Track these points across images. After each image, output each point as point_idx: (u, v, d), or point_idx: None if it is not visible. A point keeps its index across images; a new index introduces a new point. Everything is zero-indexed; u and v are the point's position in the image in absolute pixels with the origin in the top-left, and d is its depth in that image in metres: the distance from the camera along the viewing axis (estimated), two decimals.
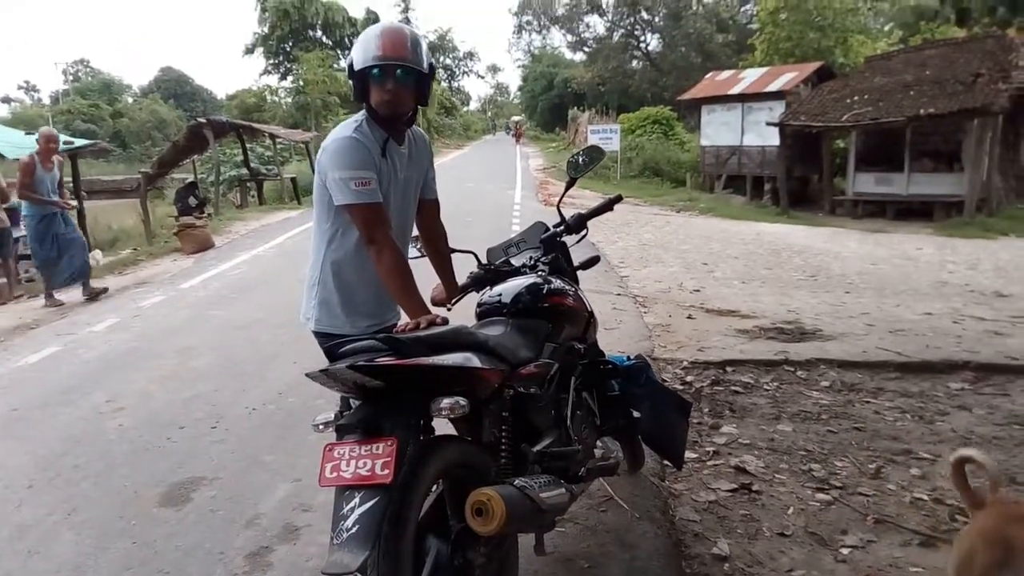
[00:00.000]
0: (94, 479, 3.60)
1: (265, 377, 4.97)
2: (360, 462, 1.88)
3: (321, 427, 2.03)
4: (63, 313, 7.42)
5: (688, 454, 3.36)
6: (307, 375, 1.94)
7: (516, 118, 58.13)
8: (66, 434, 4.20)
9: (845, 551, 2.75)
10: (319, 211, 2.52)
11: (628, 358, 3.08)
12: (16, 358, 5.85)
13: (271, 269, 9.37)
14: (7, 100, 59.58)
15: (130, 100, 55.92)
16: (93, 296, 7.97)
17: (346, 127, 2.41)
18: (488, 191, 17.36)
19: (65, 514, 3.25)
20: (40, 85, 63.00)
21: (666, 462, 3.35)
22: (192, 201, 14.44)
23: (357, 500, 1.83)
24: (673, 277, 8.12)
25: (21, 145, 11.00)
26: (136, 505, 3.28)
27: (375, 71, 2.30)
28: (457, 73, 69.54)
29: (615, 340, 5.36)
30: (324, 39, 49.88)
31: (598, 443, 2.85)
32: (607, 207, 3.10)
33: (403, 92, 2.34)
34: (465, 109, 73.54)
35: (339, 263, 2.51)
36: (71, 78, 60.99)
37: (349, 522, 1.80)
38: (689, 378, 4.74)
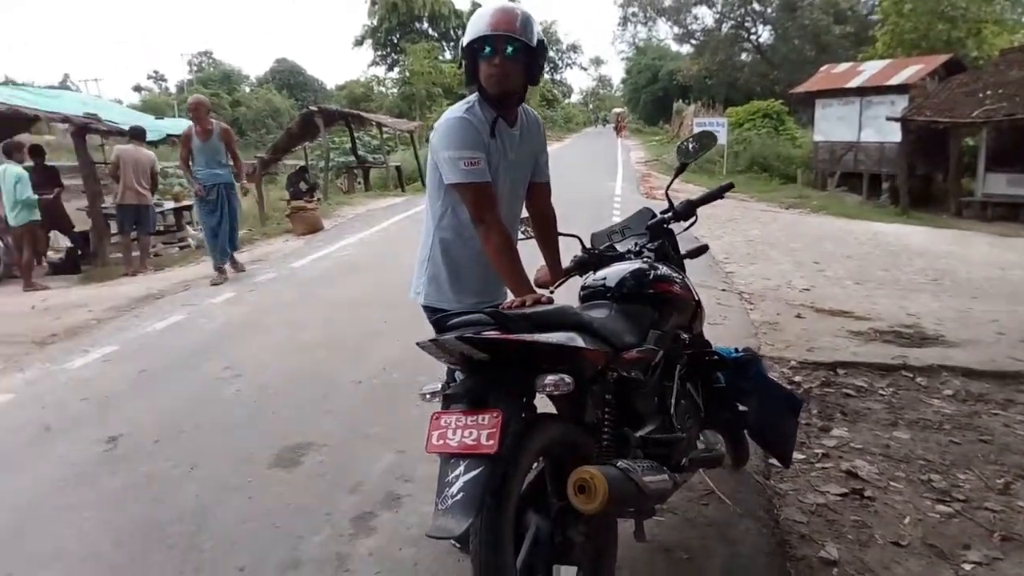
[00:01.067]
0: (213, 438, 3.85)
1: (369, 353, 5.16)
2: (466, 431, 1.92)
3: (428, 396, 2.09)
4: (186, 285, 7.94)
5: (795, 455, 3.24)
6: (418, 344, 2.00)
7: (618, 110, 57.39)
8: (188, 395, 4.52)
9: (967, 567, 2.58)
10: (431, 190, 2.58)
11: (736, 351, 3.00)
12: (145, 324, 6.32)
13: (376, 252, 9.70)
14: (138, 88, 64.09)
15: (247, 90, 58.94)
16: (238, 269, 8.40)
17: (457, 108, 2.46)
18: (588, 182, 17.24)
19: (188, 468, 3.49)
20: (168, 75, 67.44)
21: (772, 460, 3.24)
22: (303, 186, 15.11)
23: (462, 468, 1.87)
24: (781, 275, 7.82)
25: (152, 128, 11.86)
26: (251, 464, 3.49)
27: (485, 47, 2.32)
28: (560, 65, 69.39)
29: (719, 336, 5.22)
30: (430, 31, 50.96)
31: (701, 435, 2.80)
32: (718, 194, 3.02)
33: (511, 68, 2.35)
34: (566, 101, 73.32)
35: (448, 241, 2.57)
36: (195, 68, 64.92)
37: (454, 489, 1.85)
38: (797, 378, 4.57)
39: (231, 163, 8.22)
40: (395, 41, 50.48)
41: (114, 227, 10.09)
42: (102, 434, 3.91)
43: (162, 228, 11.51)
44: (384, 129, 21.81)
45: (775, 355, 4.98)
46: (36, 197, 8.78)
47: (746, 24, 45.78)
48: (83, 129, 9.82)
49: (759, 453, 3.29)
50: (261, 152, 19.84)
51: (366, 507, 3.02)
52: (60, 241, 10.70)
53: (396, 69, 47.96)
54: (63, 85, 45.07)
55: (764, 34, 45.39)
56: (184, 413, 4.21)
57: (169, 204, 11.94)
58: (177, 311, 6.72)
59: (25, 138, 10.81)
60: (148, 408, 4.34)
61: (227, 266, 8.25)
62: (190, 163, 7.94)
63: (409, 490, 3.14)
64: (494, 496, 1.87)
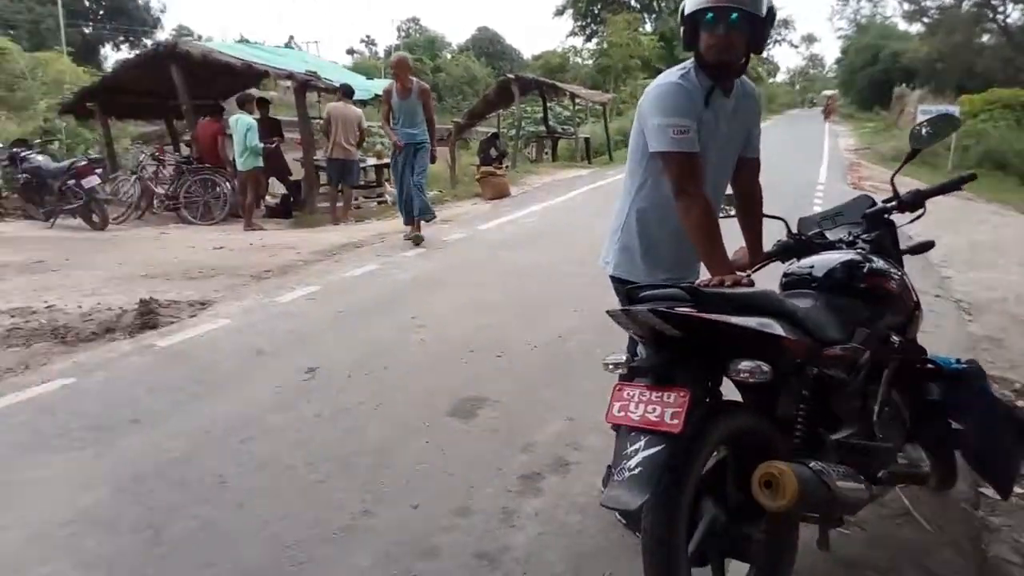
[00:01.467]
0: (398, 381, 4.11)
1: (548, 318, 5.25)
2: (649, 407, 1.89)
3: (611, 367, 2.07)
4: (382, 237, 8.52)
5: (1016, 487, 2.87)
6: (608, 312, 1.98)
7: (828, 92, 53.20)
8: (378, 338, 4.86)
9: None
10: (632, 158, 2.53)
11: (958, 361, 2.69)
12: (344, 269, 6.87)
13: (559, 221, 9.81)
14: (351, 52, 68.86)
15: (448, 56, 61.46)
16: (415, 240, 8.00)
17: (671, 73, 2.37)
18: (789, 167, 16.21)
19: (374, 406, 3.77)
20: (378, 40, 71.90)
21: (986, 489, 2.90)
22: (493, 152, 15.57)
23: (642, 443, 1.84)
24: (1010, 286, 6.91)
25: (362, 87, 12.74)
26: (430, 410, 3.69)
27: (708, 15, 2.21)
28: (769, 43, 65.35)
29: (929, 346, 4.71)
30: (632, 2, 49.96)
31: (903, 449, 2.55)
32: (955, 186, 2.70)
33: (735, 38, 2.22)
34: (771, 80, 69.09)
35: (645, 211, 2.51)
36: (403, 34, 68.70)
37: (632, 462, 1.82)
38: (1021, 403, 4.03)
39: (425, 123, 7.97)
40: (596, 11, 50.11)
41: (323, 179, 11.04)
42: (303, 364, 4.32)
43: (364, 183, 12.40)
44: (576, 100, 21.85)
45: (997, 375, 4.42)
46: (262, 145, 9.78)
47: (992, 2, 40.34)
48: (304, 85, 10.76)
49: (969, 478, 2.95)
50: (457, 117, 20.66)
51: (535, 468, 3.08)
52: (277, 187, 11.90)
53: (594, 40, 47.67)
54: (288, 46, 49.59)
55: (1015, 14, 39.74)
56: (373, 354, 4.53)
57: (372, 161, 12.82)
58: (372, 260, 7.23)
59: (253, 91, 12.06)
60: (343, 345, 4.72)
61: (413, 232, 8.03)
62: (391, 120, 7.97)
63: (577, 458, 3.16)
64: (673, 476, 1.82)
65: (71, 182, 9.64)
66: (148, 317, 5.18)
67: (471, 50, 62.46)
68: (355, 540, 2.59)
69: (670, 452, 1.82)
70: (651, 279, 2.44)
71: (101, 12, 50.79)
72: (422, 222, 8.12)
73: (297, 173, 11.52)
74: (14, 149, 10.64)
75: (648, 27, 47.42)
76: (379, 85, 14.44)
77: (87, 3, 49.45)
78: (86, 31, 48.70)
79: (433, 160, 8.41)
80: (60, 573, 2.43)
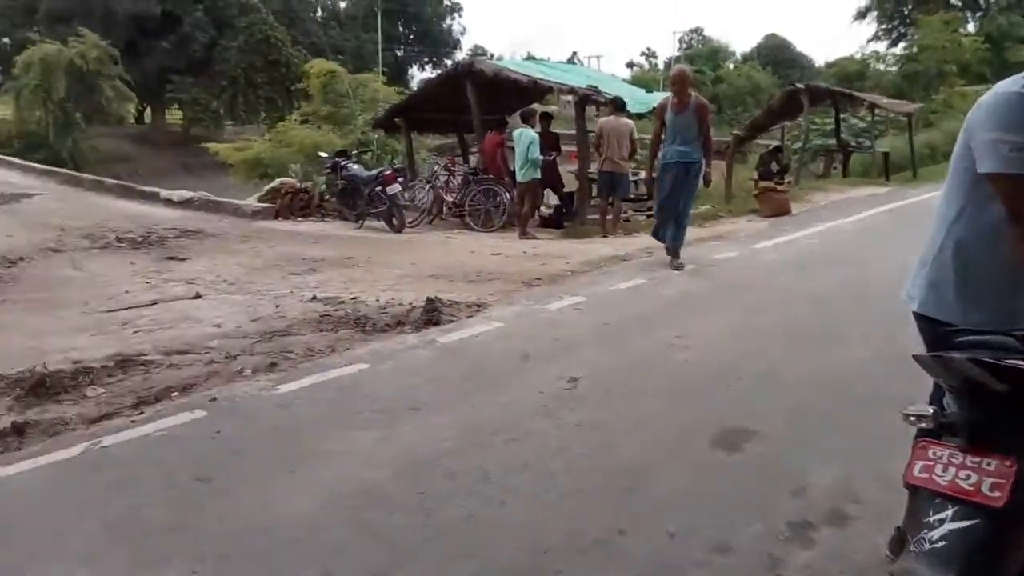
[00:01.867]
0: (658, 401, 4.06)
1: (828, 351, 4.81)
2: (962, 472, 1.64)
3: (913, 419, 1.82)
4: (649, 252, 8.48)
5: None
6: (915, 357, 1.75)
7: None
8: (641, 354, 4.84)
9: None
10: (953, 178, 2.20)
11: None
12: (611, 282, 6.96)
13: (848, 244, 8.99)
14: (631, 65, 69.81)
15: (730, 66, 59.61)
16: (675, 263, 7.42)
17: (1013, 82, 2.02)
18: None
19: (633, 422, 3.75)
20: (658, 52, 72.05)
21: None
22: (774, 166, 14.73)
23: (950, 513, 1.61)
24: None
25: (641, 100, 12.82)
26: (691, 436, 3.58)
27: None
28: None
29: None
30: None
31: None
32: None
33: None
34: None
35: (964, 242, 2.16)
36: (684, 45, 68.11)
37: (935, 534, 1.60)
38: None
39: (701, 141, 7.33)
40: (905, 12, 45.15)
41: (595, 191, 11.33)
42: (566, 372, 4.44)
43: (634, 196, 12.48)
44: (876, 111, 19.84)
45: None
46: (541, 158, 10.31)
47: None
48: (584, 100, 11.14)
49: None
50: (736, 129, 19.93)
51: (806, 515, 2.83)
52: (551, 199, 12.46)
53: (901, 44, 42.98)
54: (571, 61, 51.79)
55: None
56: (635, 370, 4.52)
57: (643, 174, 12.85)
58: (639, 274, 7.23)
59: (536, 106, 12.75)
60: (605, 357, 4.78)
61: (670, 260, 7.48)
62: (661, 137, 7.52)
63: (857, 512, 2.84)
64: (987, 558, 1.56)
65: (377, 188, 11.01)
66: (432, 314, 5.70)
67: (756, 59, 59.95)
68: (609, 558, 2.59)
69: (987, 529, 1.56)
70: (965, 321, 2.11)
71: (411, 36, 57.58)
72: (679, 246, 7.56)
73: (571, 185, 11.97)
74: (336, 159, 12.45)
75: (971, 27, 41.59)
76: (657, 98, 14.46)
77: (401, 29, 56.37)
78: (398, 54, 55.57)
79: (707, 183, 7.87)
80: (344, 539, 2.76)
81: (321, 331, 5.46)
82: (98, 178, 17.02)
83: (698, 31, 69.66)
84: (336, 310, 6.00)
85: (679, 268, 7.36)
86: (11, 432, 3.80)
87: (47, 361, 4.76)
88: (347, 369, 4.60)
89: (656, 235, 7.76)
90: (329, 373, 4.52)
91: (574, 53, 61.22)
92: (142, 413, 3.97)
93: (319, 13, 53.15)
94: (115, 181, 16.93)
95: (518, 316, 5.85)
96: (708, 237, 9.33)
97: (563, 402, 4.03)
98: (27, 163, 20.95)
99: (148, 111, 38.57)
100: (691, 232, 9.50)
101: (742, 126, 20.35)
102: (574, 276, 7.33)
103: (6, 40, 37.03)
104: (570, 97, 12.15)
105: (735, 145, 17.53)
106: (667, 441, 3.53)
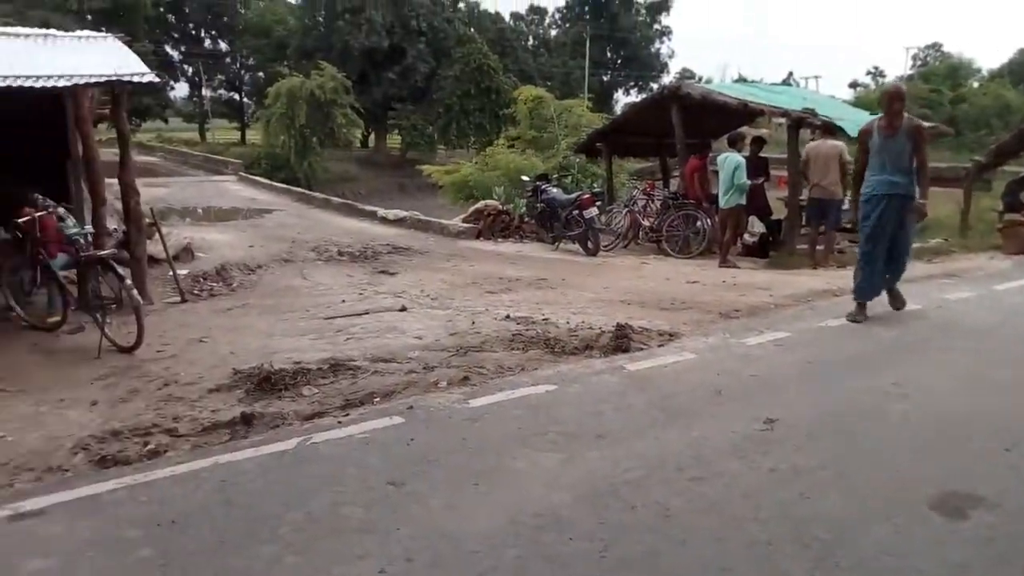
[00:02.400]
0: (868, 453, 3.69)
1: None
2: None
3: None
4: None
5: None
6: None
7: None
8: (850, 400, 4.44)
9: None
10: None
11: None
12: (818, 318, 6.47)
13: None
14: (854, 85, 64.95)
15: (975, 84, 53.53)
16: (898, 305, 6.61)
17: None
18: None
19: (835, 474, 3.44)
20: (887, 71, 66.28)
21: None
22: (1023, 197, 12.95)
23: None
24: None
25: (863, 123, 11.86)
26: (904, 495, 3.21)
27: None
28: None
29: None
30: None
31: None
32: None
33: None
34: None
35: None
36: (919, 63, 62.21)
37: None
38: None
39: (914, 170, 6.31)
40: None
41: (805, 219, 10.65)
42: (761, 413, 4.18)
43: (848, 225, 11.56)
44: None
45: None
46: (748, 183, 9.90)
47: None
48: (798, 123, 10.53)
49: None
50: (978, 155, 17.80)
51: None
52: (755, 226, 11.89)
53: None
54: (786, 82, 49.35)
55: None
56: (841, 417, 4.16)
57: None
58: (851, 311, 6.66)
59: (745, 130, 12.27)
60: (807, 400, 4.45)
61: (888, 298, 6.62)
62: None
63: None
64: None
65: (575, 212, 11.19)
66: (622, 341, 5.65)
67: (1006, 76, 53.38)
68: None
69: None
70: None
71: (619, 61, 58.14)
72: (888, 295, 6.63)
73: (779, 212, 11.35)
74: (537, 182, 12.83)
75: None
76: None
77: (608, 55, 57.14)
78: (604, 79, 56.33)
79: (921, 217, 6.65)
80: (522, 558, 2.79)
81: (512, 349, 5.62)
82: (326, 196, 19.00)
83: (936, 47, 63.46)
84: (527, 330, 6.15)
85: (899, 307, 6.64)
86: (240, 422, 4.31)
87: (273, 360, 5.36)
88: (535, 389, 4.68)
89: (856, 289, 6.47)
90: (517, 391, 4.63)
91: (789, 73, 58.36)
92: (348, 415, 4.32)
93: (530, 41, 55.43)
94: (340, 200, 18.79)
95: (712, 348, 5.63)
96: (938, 274, 8.39)
97: (757, 444, 3.80)
98: (271, 182, 23.90)
99: (372, 136, 42.35)
100: (918, 268, 8.64)
101: (986, 151, 18.13)
102: (777, 309, 6.92)
103: (261, 74, 42.52)
104: (783, 120, 11.54)
105: (976, 172, 15.63)
106: (875, 498, 3.19)
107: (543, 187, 12.39)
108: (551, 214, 11.91)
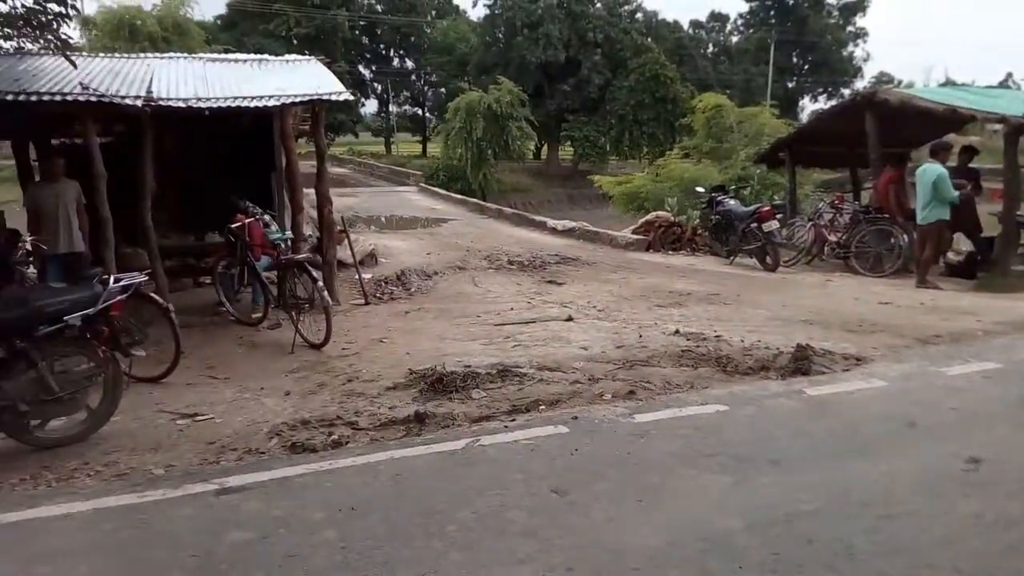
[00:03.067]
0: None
1: None
2: None
3: None
4: None
5: None
6: None
7: None
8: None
9: None
10: None
11: None
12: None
13: None
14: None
15: None
16: None
17: None
18: None
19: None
20: None
21: None
22: None
23: None
24: None
25: None
26: None
27: None
28: None
29: None
30: None
31: None
32: None
33: None
34: None
35: None
36: None
37: None
38: None
39: None
40: None
41: None
42: (964, 451, 3.77)
43: None
44: None
45: None
46: (957, 195, 8.97)
47: None
48: (1019, 129, 9.40)
49: None
50: None
51: None
52: (961, 244, 10.74)
53: None
54: (1004, 84, 44.29)
55: None
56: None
57: None
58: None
59: (951, 138, 11.14)
60: (1022, 441, 3.95)
61: None
62: None
63: None
64: None
65: (753, 225, 10.70)
66: (802, 363, 5.33)
67: None
68: None
69: None
70: None
71: (805, 67, 55.06)
72: None
73: (991, 228, 10.17)
74: (713, 194, 12.44)
75: None
76: None
77: (794, 60, 54.30)
78: (789, 85, 53.57)
79: None
80: None
81: (681, 366, 5.48)
82: (499, 207, 19.59)
83: None
84: (698, 346, 5.97)
85: None
86: (414, 420, 4.55)
87: (445, 362, 5.60)
88: (704, 408, 4.54)
89: None
90: (685, 410, 4.51)
91: (1008, 75, 52.35)
92: (514, 420, 4.42)
93: (710, 49, 53.97)
94: (512, 210, 19.30)
95: (906, 376, 5.16)
96: None
97: (958, 485, 3.43)
98: (448, 193, 25.05)
99: (545, 148, 43.14)
100: None
101: None
102: (986, 337, 6.21)
103: (442, 90, 44.78)
104: (999, 127, 10.34)
105: None
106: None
107: (719, 198, 11.99)
108: (727, 227, 11.49)
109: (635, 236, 12.92)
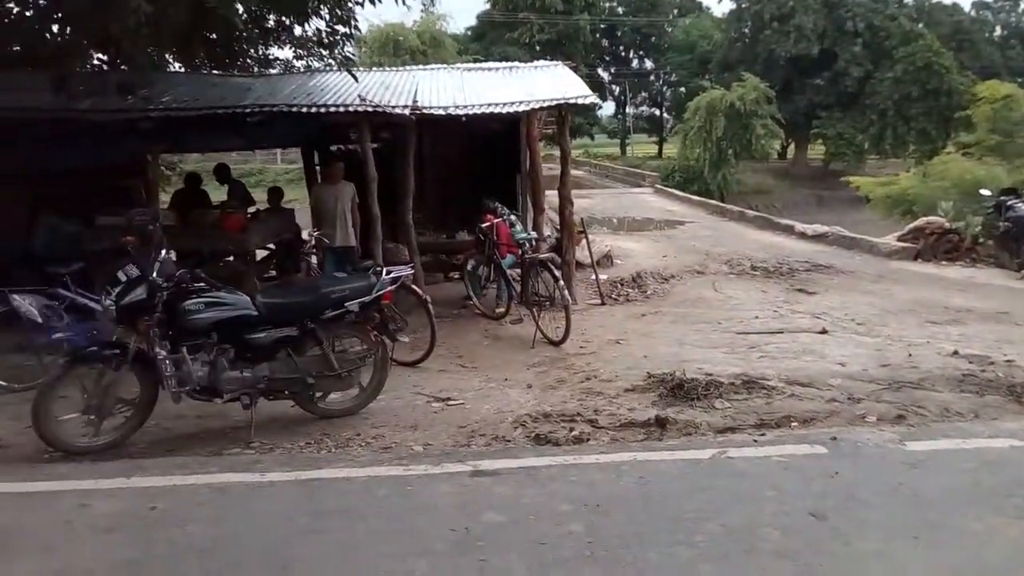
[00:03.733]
0: None
1: None
2: None
3: None
4: None
5: None
6: None
7: None
8: None
9: None
10: None
11: None
12: None
13: None
14: None
15: None
16: None
17: None
18: None
19: None
20: None
21: None
22: None
23: None
24: None
25: None
26: None
27: None
28: None
29: None
30: None
31: None
32: None
33: None
34: None
35: None
36: None
37: None
38: None
39: None
40: None
41: None
42: None
43: None
44: None
45: None
46: None
47: None
48: None
49: None
50: None
51: None
52: None
53: None
54: None
55: None
56: None
57: None
58: None
59: None
60: None
61: None
62: None
63: None
64: None
65: None
66: None
67: None
68: None
69: None
70: None
71: None
72: None
73: None
74: (1002, 197, 10.86)
75: None
76: None
77: None
78: None
79: None
80: None
81: (962, 392, 4.88)
82: (740, 209, 18.79)
83: None
84: (983, 371, 5.28)
85: None
86: (655, 424, 4.52)
87: (685, 368, 5.49)
88: (993, 442, 4.01)
89: None
90: (969, 441, 4.01)
91: None
92: (763, 435, 4.22)
93: (997, 32, 47.33)
94: (755, 213, 18.44)
95: None
96: None
97: None
98: (685, 194, 24.56)
99: (791, 147, 40.57)
100: None
101: None
102: None
103: (682, 89, 43.95)
104: None
105: None
106: None
107: (1010, 203, 10.47)
108: (1017, 236, 10.01)
109: (901, 243, 11.71)
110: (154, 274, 4.35)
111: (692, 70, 43.61)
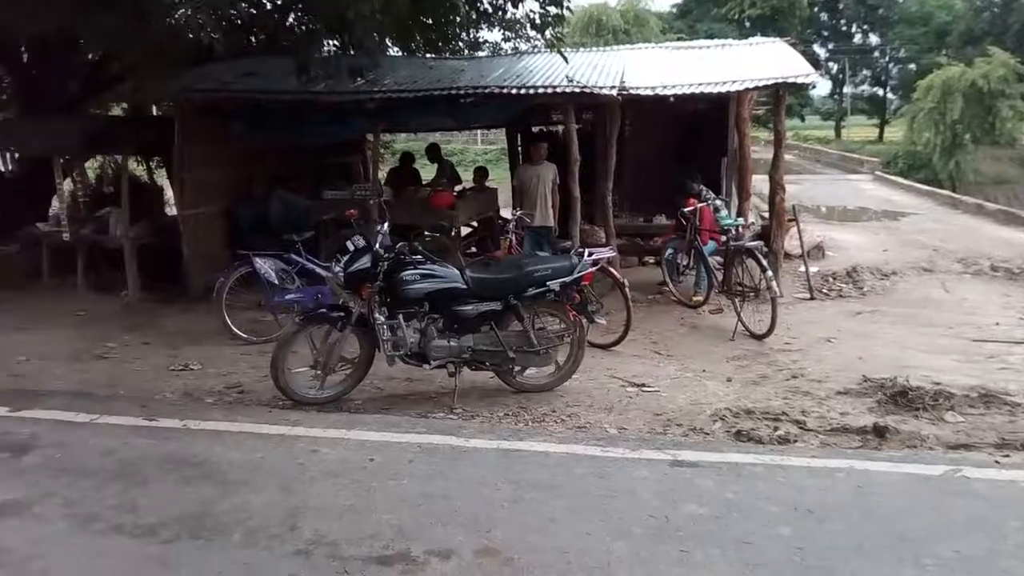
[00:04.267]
0: None
1: None
2: None
3: None
4: None
5: None
6: None
7: None
8: None
9: None
10: None
11: None
12: None
13: None
14: None
15: None
16: None
17: None
18: None
19: None
20: None
21: None
22: None
23: None
24: None
25: None
26: None
27: None
28: None
29: None
30: None
31: None
32: None
33: None
34: None
35: None
36: None
37: None
38: None
39: None
40: None
41: None
42: None
43: None
44: None
45: None
46: None
47: None
48: None
49: None
50: None
51: None
52: None
53: None
54: None
55: None
56: None
57: None
58: None
59: None
60: None
61: None
62: None
63: None
64: None
65: None
66: None
67: None
68: None
69: None
70: None
71: None
72: None
73: None
74: None
75: None
76: None
77: None
78: None
79: None
80: None
81: None
82: (978, 202, 16.77)
83: None
84: None
85: None
86: (872, 432, 4.20)
87: (908, 375, 5.03)
88: None
89: None
90: None
91: None
92: (1007, 456, 3.77)
93: None
94: (996, 206, 16.40)
95: None
96: None
97: None
98: (908, 183, 22.41)
99: None
100: None
101: None
102: None
103: (912, 66, 39.86)
104: None
105: None
106: None
107: None
108: None
109: None
110: (377, 245, 4.71)
111: (925, 44, 39.36)
